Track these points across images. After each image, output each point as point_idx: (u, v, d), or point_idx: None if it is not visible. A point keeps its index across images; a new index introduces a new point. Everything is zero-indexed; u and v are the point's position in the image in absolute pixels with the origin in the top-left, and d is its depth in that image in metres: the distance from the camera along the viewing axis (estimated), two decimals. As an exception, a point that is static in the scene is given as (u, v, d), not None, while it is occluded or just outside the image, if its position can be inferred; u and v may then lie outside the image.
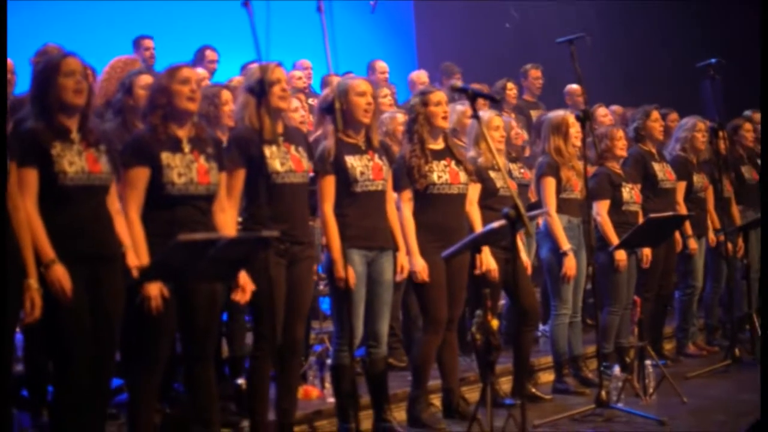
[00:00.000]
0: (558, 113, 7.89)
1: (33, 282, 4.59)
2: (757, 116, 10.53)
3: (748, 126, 10.23)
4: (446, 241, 6.32)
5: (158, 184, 5.13)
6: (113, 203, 5.03)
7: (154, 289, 4.96)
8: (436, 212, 6.49)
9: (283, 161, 5.70)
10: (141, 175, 5.13)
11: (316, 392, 6.94)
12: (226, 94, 6.76)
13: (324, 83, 10.28)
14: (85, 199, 4.85)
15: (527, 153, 9.42)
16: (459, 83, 5.09)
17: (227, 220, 5.47)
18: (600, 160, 8.13)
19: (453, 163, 6.55)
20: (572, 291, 7.67)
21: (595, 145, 7.95)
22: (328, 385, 6.76)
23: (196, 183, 5.23)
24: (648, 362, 7.41)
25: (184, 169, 5.20)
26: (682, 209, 8.74)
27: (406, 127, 6.77)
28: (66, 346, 4.76)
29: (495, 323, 5.56)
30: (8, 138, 4.68)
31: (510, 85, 11.03)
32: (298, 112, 7.51)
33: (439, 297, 6.46)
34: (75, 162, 4.81)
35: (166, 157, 5.16)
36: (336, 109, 5.80)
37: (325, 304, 8.01)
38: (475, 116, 5.43)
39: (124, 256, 4.98)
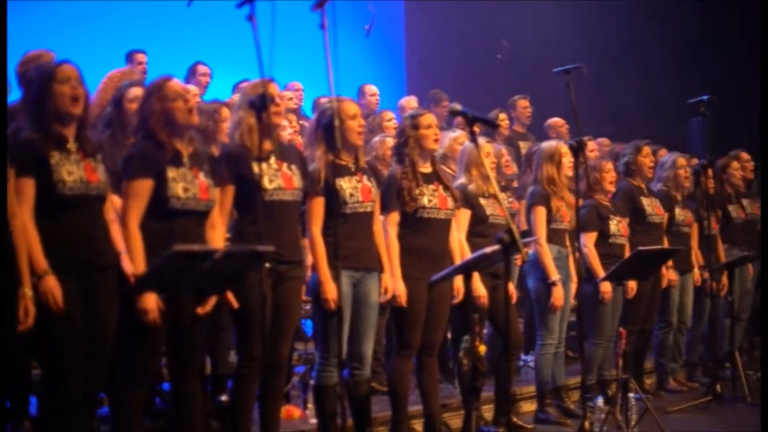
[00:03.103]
0: (551, 142, 7.95)
1: (27, 290, 4.55)
2: (745, 155, 10.61)
3: (736, 164, 10.32)
4: (432, 265, 6.32)
5: (162, 197, 5.12)
6: (109, 212, 5.00)
7: (151, 302, 4.93)
8: (424, 236, 6.47)
9: (273, 178, 5.68)
10: (145, 187, 5.11)
11: (298, 412, 6.91)
12: (225, 111, 6.78)
13: (316, 105, 10.28)
14: (82, 209, 4.81)
15: (515, 184, 9.43)
16: (458, 107, 5.04)
17: (217, 237, 5.46)
18: (589, 192, 8.16)
19: (441, 187, 6.55)
20: (558, 321, 7.68)
21: (587, 176, 7.97)
22: (310, 405, 6.72)
23: (198, 199, 5.23)
24: (631, 395, 7.40)
25: (188, 184, 5.19)
26: (666, 243, 8.77)
27: (395, 149, 6.76)
28: (58, 354, 4.70)
29: (483, 349, 5.54)
30: (7, 146, 4.65)
31: (502, 116, 11.05)
32: (286, 131, 7.51)
33: (414, 323, 6.44)
34: (73, 171, 4.78)
35: (170, 170, 5.15)
36: (336, 127, 5.78)
37: (308, 326, 7.97)
38: (473, 140, 5.42)
39: (120, 266, 4.94)
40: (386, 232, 6.38)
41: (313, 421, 6.53)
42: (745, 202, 10.37)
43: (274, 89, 5.76)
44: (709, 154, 9.08)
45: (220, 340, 6.58)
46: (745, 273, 10.01)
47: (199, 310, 5.26)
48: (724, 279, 9.39)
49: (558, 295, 7.52)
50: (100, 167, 4.91)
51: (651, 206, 8.73)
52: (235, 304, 5.45)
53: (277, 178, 5.70)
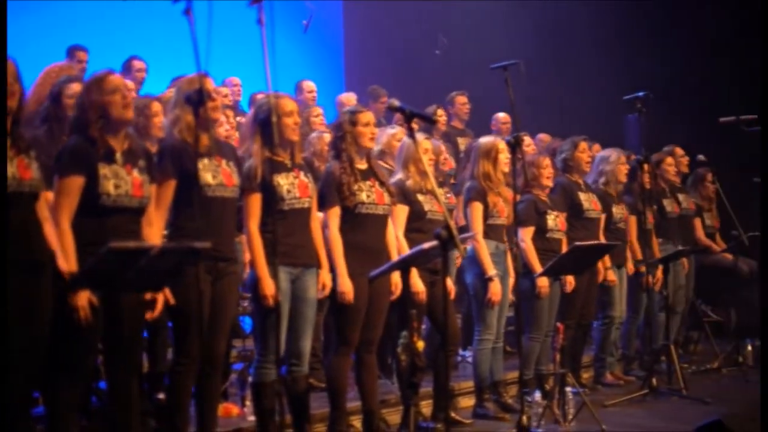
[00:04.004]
0: (488, 138, 7.97)
1: None
2: (679, 150, 10.74)
3: (670, 160, 10.46)
4: (371, 261, 6.32)
5: (93, 193, 5.07)
6: (43, 210, 4.93)
7: (83, 299, 4.88)
8: (363, 232, 6.47)
9: (215, 174, 5.67)
10: (76, 184, 5.06)
11: (236, 410, 6.89)
12: (156, 106, 6.74)
13: (253, 101, 10.24)
14: (14, 206, 4.73)
15: (453, 180, 9.46)
16: (396, 103, 5.05)
17: (154, 234, 5.42)
18: (526, 187, 8.20)
19: (377, 183, 6.55)
20: (495, 316, 7.71)
21: (523, 172, 8.01)
22: (248, 402, 6.70)
23: (131, 195, 5.19)
24: (568, 389, 7.46)
25: (120, 181, 5.15)
26: (603, 240, 8.85)
27: (331, 145, 6.76)
28: None
29: (420, 345, 5.57)
30: None
31: (440, 111, 11.08)
32: (223, 128, 7.48)
33: (355, 319, 6.43)
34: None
35: (102, 167, 5.10)
36: (273, 123, 5.77)
37: (247, 323, 7.94)
38: (411, 136, 5.43)
39: (54, 264, 4.89)
40: (328, 227, 6.37)
41: (252, 418, 6.51)
42: (680, 197, 10.51)
43: (209, 84, 5.73)
44: (645, 150, 9.16)
45: (157, 338, 6.53)
46: (679, 267, 10.14)
47: (148, 315, 5.23)
48: (659, 273, 9.50)
49: (495, 290, 7.56)
50: (34, 164, 4.84)
51: (588, 201, 8.82)
52: (172, 300, 5.41)
53: (219, 175, 5.69)
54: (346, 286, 6.32)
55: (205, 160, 5.64)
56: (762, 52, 8.08)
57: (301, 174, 6.17)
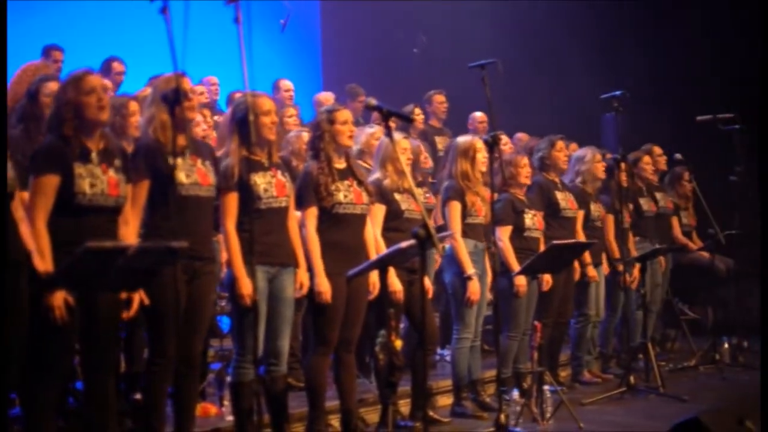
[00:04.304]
0: (466, 138, 7.97)
1: None
2: (657, 149, 10.78)
3: (647, 159, 10.51)
4: (349, 261, 6.32)
5: (69, 193, 5.05)
6: (18, 210, 4.90)
7: (58, 299, 4.86)
8: (340, 232, 6.46)
9: (189, 173, 5.66)
10: (51, 183, 5.04)
11: (214, 410, 6.88)
12: (133, 105, 6.73)
13: (230, 100, 10.22)
14: None
15: (431, 179, 9.45)
16: (374, 102, 5.05)
17: (130, 233, 5.40)
18: (504, 186, 8.21)
19: (355, 183, 6.54)
20: (474, 315, 7.72)
21: (501, 171, 8.02)
22: (226, 402, 6.69)
23: (107, 195, 5.17)
24: (546, 387, 7.47)
25: (95, 180, 5.12)
26: (581, 238, 8.88)
27: (309, 144, 6.74)
28: None
29: (399, 344, 5.57)
30: None
31: (417, 110, 11.07)
32: (200, 127, 7.47)
33: (334, 319, 6.42)
34: None
35: (77, 166, 5.08)
36: (250, 122, 5.76)
37: (225, 323, 7.92)
38: (389, 135, 5.43)
39: (30, 263, 4.86)
40: (305, 227, 6.36)
41: (230, 418, 6.50)
42: (657, 195, 10.54)
43: (186, 84, 5.71)
44: (621, 149, 9.19)
45: (134, 338, 6.51)
46: (656, 266, 10.17)
47: (125, 315, 5.21)
48: (636, 272, 9.53)
49: (474, 289, 7.56)
50: (9, 163, 4.82)
51: (565, 200, 8.85)
52: (147, 300, 5.38)
53: (193, 174, 5.67)
54: (324, 286, 6.31)
55: (180, 159, 5.61)
56: (762, 52, 8.13)
57: (279, 173, 6.16)
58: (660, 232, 10.50)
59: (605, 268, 9.45)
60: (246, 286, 5.83)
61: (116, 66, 10.33)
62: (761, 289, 9.26)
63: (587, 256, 8.95)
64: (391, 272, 6.62)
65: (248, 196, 5.95)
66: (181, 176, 5.60)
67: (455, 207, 7.66)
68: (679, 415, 6.58)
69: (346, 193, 6.45)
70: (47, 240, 4.96)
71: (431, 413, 7.59)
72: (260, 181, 6.03)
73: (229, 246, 5.96)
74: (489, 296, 7.90)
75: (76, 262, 4.53)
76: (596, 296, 9.31)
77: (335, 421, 6.92)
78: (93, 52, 10.52)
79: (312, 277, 6.31)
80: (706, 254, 10.75)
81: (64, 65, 10.04)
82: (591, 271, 9.06)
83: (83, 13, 11.94)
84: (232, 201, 5.98)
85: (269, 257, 6.03)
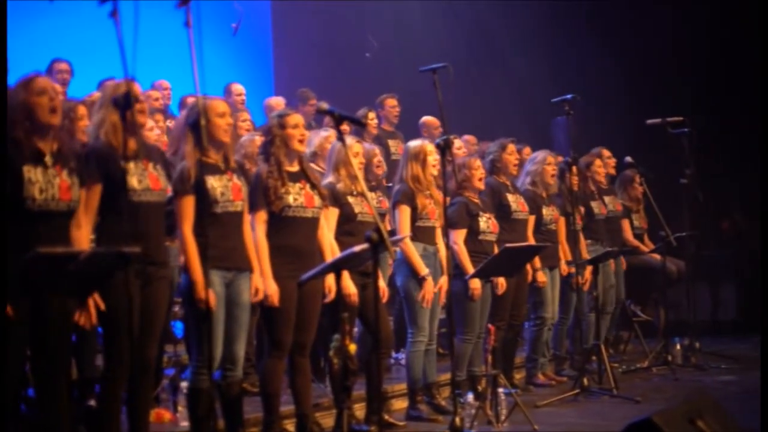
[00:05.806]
0: (417, 141, 7.97)
1: None
2: (607, 152, 10.85)
3: (599, 162, 10.56)
4: (300, 264, 6.30)
5: (18, 199, 4.98)
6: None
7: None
8: (291, 235, 6.44)
9: (141, 179, 5.61)
10: None
11: (168, 415, 6.82)
12: (81, 109, 6.68)
13: (183, 104, 10.15)
14: None
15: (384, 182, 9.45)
16: (326, 106, 5.04)
17: (82, 237, 5.35)
18: (458, 189, 8.22)
19: (308, 186, 6.53)
20: (428, 318, 7.72)
21: (454, 174, 8.03)
22: (181, 408, 6.65)
23: (58, 199, 5.11)
24: (500, 390, 7.49)
25: (46, 184, 5.07)
26: (532, 241, 8.92)
27: (261, 148, 6.72)
28: None
29: (353, 348, 5.53)
30: None
31: (371, 114, 11.05)
32: (153, 132, 7.42)
33: (286, 322, 6.41)
34: None
35: (27, 170, 5.02)
36: (202, 126, 5.72)
37: (178, 328, 7.87)
38: (341, 139, 5.42)
39: None
40: (254, 231, 6.33)
41: (184, 423, 6.47)
42: (606, 198, 10.61)
43: (136, 88, 5.67)
44: (573, 152, 9.24)
45: (86, 344, 6.45)
46: (608, 268, 10.23)
47: (82, 321, 5.16)
48: (588, 274, 9.59)
49: (429, 289, 7.58)
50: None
51: (516, 203, 8.89)
52: (102, 305, 5.34)
53: (145, 179, 5.63)
54: (272, 289, 6.28)
55: (131, 164, 5.57)
56: (761, 53, 8.20)
57: (234, 177, 6.13)
58: (611, 234, 10.57)
59: (563, 269, 9.48)
60: (204, 291, 5.78)
61: (59, 66, 10.12)
62: (761, 289, 9.33)
63: (537, 261, 8.99)
64: (345, 276, 6.62)
65: (204, 199, 5.92)
66: (133, 181, 5.55)
67: (404, 211, 7.67)
68: (633, 415, 6.60)
69: (296, 197, 6.43)
70: None
71: (386, 417, 7.61)
72: (216, 184, 6.00)
73: (187, 250, 5.90)
74: (443, 299, 7.90)
75: (26, 268, 4.47)
76: (552, 299, 9.35)
77: (290, 426, 6.90)
78: (42, 55, 10.41)
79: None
80: (657, 256, 10.83)
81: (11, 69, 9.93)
82: (541, 276, 9.09)
83: (31, 16, 11.81)
84: (188, 204, 5.94)
85: (226, 262, 6.00)
